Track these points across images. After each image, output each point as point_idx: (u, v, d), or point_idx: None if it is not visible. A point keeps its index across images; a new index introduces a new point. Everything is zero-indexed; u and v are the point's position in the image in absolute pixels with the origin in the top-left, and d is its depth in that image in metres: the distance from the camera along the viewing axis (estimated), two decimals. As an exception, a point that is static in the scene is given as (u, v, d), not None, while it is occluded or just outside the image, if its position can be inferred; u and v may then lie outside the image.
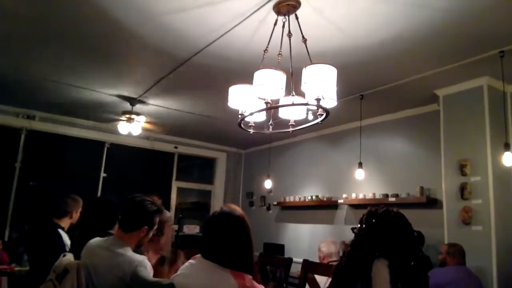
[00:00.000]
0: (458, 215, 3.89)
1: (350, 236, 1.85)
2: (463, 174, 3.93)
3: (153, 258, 2.31)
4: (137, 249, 2.08)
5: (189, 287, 1.57)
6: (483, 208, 3.74)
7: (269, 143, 7.09)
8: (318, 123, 2.56)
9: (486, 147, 3.80)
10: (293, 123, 2.67)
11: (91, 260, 1.94)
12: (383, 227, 1.69)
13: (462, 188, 3.90)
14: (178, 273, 1.65)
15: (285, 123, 2.72)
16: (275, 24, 2.72)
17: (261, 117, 2.69)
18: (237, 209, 1.72)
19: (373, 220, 1.71)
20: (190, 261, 1.66)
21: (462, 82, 4.01)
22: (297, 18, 2.67)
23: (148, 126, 5.91)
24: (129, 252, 2.00)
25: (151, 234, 2.16)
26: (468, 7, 2.72)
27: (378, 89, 4.35)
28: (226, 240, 1.62)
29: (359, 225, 1.72)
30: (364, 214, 1.77)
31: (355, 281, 1.61)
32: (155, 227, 2.18)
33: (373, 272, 1.58)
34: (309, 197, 6.11)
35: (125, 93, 5.04)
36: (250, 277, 1.58)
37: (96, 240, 2.09)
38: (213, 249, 1.62)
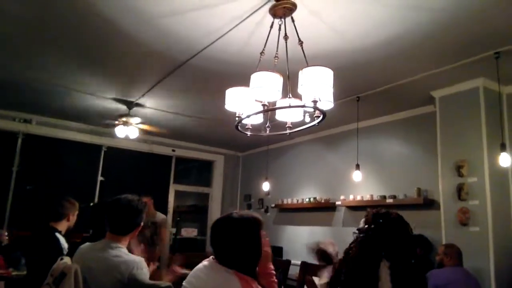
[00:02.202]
0: (455, 216, 3.90)
1: (348, 237, 1.84)
2: (460, 175, 3.94)
3: (151, 266, 2.30)
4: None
5: (195, 286, 1.62)
6: (480, 209, 3.75)
7: (266, 146, 7.09)
8: (315, 125, 2.56)
9: (483, 148, 3.81)
10: (290, 125, 2.68)
11: (85, 264, 1.93)
12: (389, 227, 1.70)
13: (459, 189, 3.92)
14: (190, 273, 1.71)
15: (282, 125, 2.72)
16: (272, 26, 2.72)
17: (258, 119, 2.69)
18: (248, 215, 1.73)
19: (380, 220, 1.70)
20: (203, 262, 1.71)
21: (458, 84, 4.03)
22: (293, 20, 2.67)
23: (145, 129, 5.91)
24: (125, 253, 2.00)
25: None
26: (463, 8, 2.74)
27: (374, 91, 4.36)
28: (229, 242, 1.65)
29: (366, 226, 1.71)
30: (367, 215, 1.76)
31: (365, 281, 1.60)
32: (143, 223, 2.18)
33: (380, 272, 1.59)
34: (307, 199, 6.11)
35: (122, 96, 5.04)
36: (256, 281, 1.60)
37: (87, 244, 2.09)
38: (218, 251, 1.66)
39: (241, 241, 1.65)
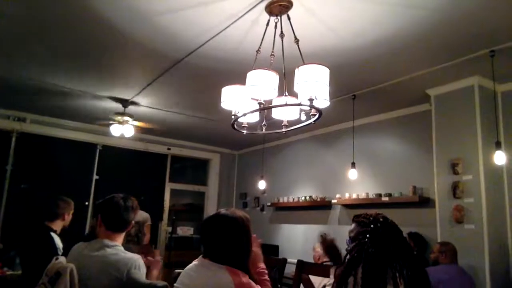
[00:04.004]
0: (451, 214, 3.91)
1: (344, 235, 1.83)
2: (455, 173, 3.95)
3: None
4: (126, 245, 2.12)
5: (187, 285, 1.63)
6: (475, 206, 3.77)
7: (262, 144, 7.09)
8: (311, 123, 2.56)
9: (478, 146, 3.83)
10: (286, 124, 2.67)
11: (82, 263, 1.92)
12: (390, 228, 1.70)
13: (454, 187, 3.93)
14: (182, 273, 1.73)
15: (278, 123, 2.71)
16: (267, 24, 2.72)
17: (254, 117, 2.69)
18: (237, 212, 1.76)
19: (378, 224, 1.70)
20: (194, 261, 1.73)
21: (453, 82, 4.05)
22: (289, 18, 2.67)
23: (140, 127, 5.89)
24: (122, 251, 2.00)
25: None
26: (458, 7, 2.74)
27: (370, 89, 4.37)
28: (220, 239, 1.67)
29: (372, 226, 1.69)
30: (365, 219, 1.73)
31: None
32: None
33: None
34: (303, 198, 6.12)
35: (118, 94, 5.02)
36: (247, 275, 1.61)
37: (81, 243, 2.08)
38: (209, 247, 1.68)
39: (230, 237, 1.67)
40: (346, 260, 1.69)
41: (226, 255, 1.63)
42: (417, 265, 1.61)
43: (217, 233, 1.69)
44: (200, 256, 1.71)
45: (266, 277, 1.84)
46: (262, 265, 1.87)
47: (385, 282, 1.53)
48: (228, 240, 1.66)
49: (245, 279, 1.59)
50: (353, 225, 1.80)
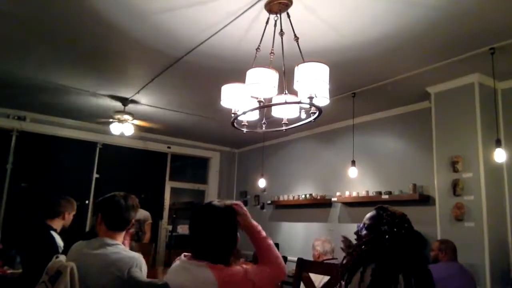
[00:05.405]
0: (451, 212, 3.91)
1: (344, 233, 1.83)
2: (455, 170, 3.95)
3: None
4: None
5: (170, 284, 1.62)
6: (475, 204, 3.77)
7: (262, 142, 7.09)
8: (311, 121, 2.56)
9: (478, 143, 3.83)
10: (286, 122, 2.68)
11: (81, 262, 1.92)
12: (412, 236, 1.71)
13: (454, 185, 3.93)
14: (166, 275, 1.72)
15: (278, 122, 2.72)
16: (267, 22, 2.72)
17: (254, 116, 2.69)
18: (228, 203, 1.74)
19: (403, 231, 1.70)
20: (175, 261, 1.73)
21: (453, 79, 4.04)
22: (289, 16, 2.67)
23: (140, 126, 5.89)
24: (123, 249, 2.00)
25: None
26: (458, 4, 2.74)
27: (370, 87, 4.36)
28: (202, 232, 1.67)
29: (396, 230, 1.68)
30: (391, 218, 1.72)
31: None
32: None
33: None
34: (303, 196, 6.12)
35: (117, 93, 5.01)
36: (230, 269, 1.60)
37: (81, 242, 2.08)
38: (193, 243, 1.68)
39: (219, 227, 1.65)
40: (356, 252, 1.67)
41: (211, 246, 1.62)
42: (426, 274, 1.61)
43: (204, 223, 1.68)
44: (182, 255, 1.69)
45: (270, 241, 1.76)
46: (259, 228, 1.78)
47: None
48: (216, 230, 1.65)
49: (229, 271, 1.57)
50: (374, 213, 1.78)
